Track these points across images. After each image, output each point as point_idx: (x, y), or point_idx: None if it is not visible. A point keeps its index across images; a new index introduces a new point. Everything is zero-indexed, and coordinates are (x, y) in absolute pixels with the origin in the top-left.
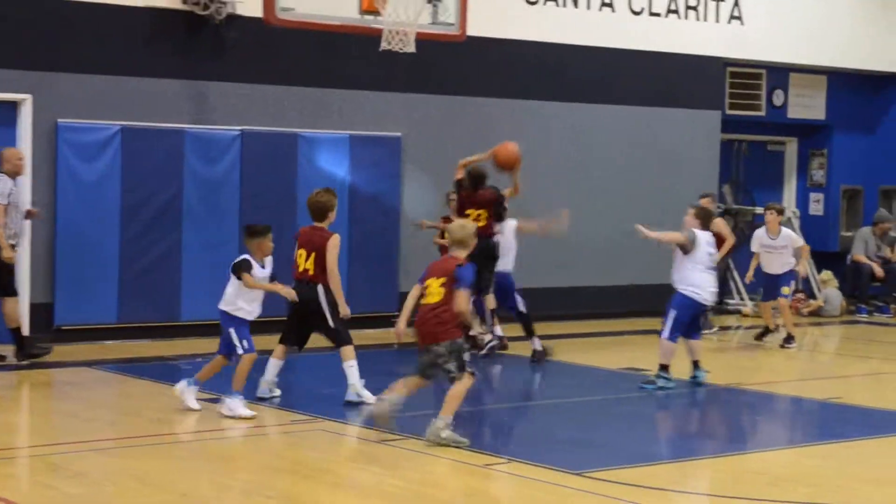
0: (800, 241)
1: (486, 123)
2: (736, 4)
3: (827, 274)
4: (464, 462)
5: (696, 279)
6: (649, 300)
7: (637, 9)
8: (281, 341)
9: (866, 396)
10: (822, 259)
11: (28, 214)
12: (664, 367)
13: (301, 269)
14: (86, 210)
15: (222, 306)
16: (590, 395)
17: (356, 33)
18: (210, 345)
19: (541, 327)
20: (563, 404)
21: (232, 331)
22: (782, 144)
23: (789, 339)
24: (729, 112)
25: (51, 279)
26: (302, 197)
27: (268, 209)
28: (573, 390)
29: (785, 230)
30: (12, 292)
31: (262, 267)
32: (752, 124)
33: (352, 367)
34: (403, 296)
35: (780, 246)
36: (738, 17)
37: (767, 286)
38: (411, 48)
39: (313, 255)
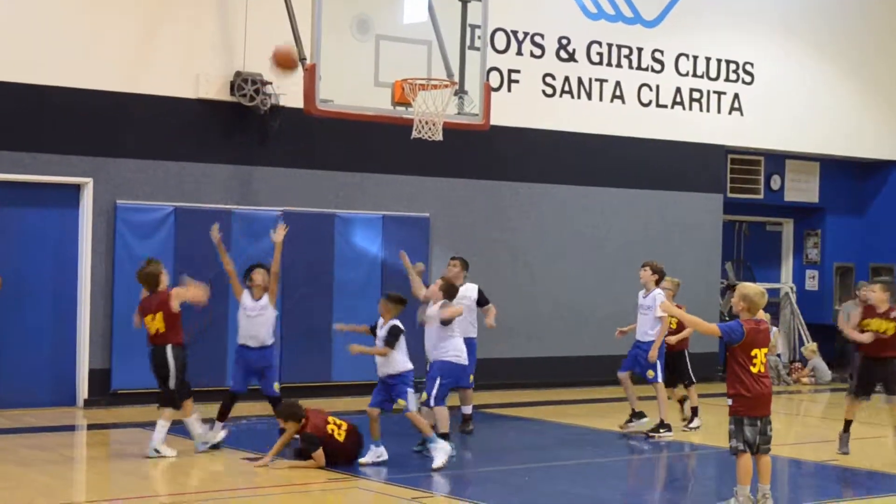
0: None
1: (508, 205)
2: (736, 97)
3: (812, 345)
4: None
5: None
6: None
7: (645, 101)
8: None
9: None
10: (817, 332)
11: None
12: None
13: (153, 331)
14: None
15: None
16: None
17: (389, 123)
18: (251, 408)
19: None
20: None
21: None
22: (780, 225)
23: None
24: (730, 195)
25: (108, 347)
26: (339, 272)
27: (307, 284)
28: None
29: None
30: None
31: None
32: (752, 206)
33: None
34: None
35: (645, 307)
36: (738, 109)
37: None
38: (439, 136)
39: (160, 314)
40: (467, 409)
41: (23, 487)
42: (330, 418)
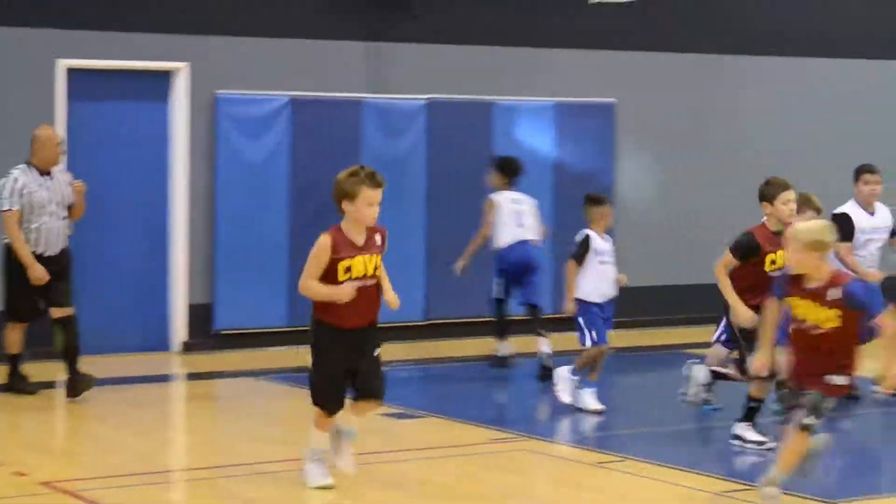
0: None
1: (719, 84)
2: None
3: None
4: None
5: None
6: None
7: None
8: None
9: None
10: None
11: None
12: None
13: None
14: (250, 195)
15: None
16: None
17: None
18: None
19: None
20: None
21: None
22: None
23: None
24: None
25: (210, 277)
26: None
27: (459, 192)
28: None
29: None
30: (28, 317)
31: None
32: None
33: None
34: None
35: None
36: None
37: None
38: None
39: None
40: None
41: (115, 452)
42: None
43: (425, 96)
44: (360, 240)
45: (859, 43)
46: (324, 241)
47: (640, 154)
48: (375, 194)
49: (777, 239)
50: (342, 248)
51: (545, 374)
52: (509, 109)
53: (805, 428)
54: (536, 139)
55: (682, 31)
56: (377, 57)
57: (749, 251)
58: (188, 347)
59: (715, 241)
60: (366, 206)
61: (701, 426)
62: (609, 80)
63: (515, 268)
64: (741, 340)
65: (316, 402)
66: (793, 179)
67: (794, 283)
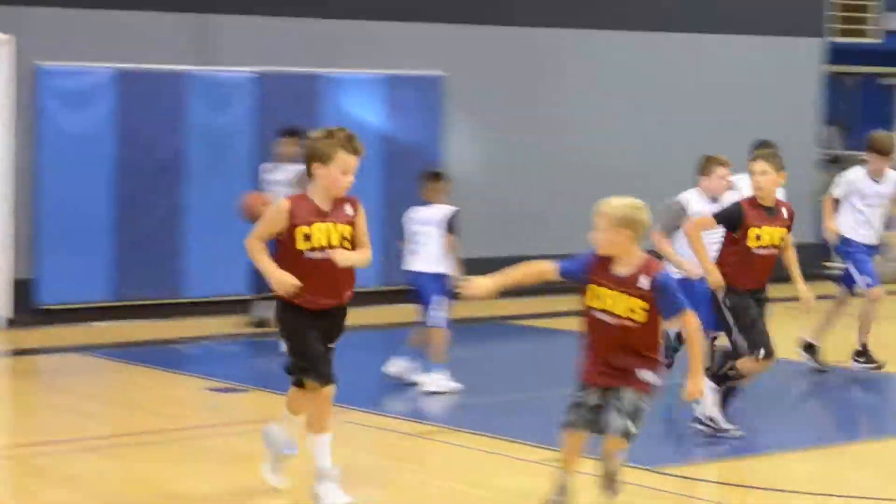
0: None
1: (548, 57)
2: None
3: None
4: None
5: None
6: None
7: None
8: None
9: None
10: None
11: None
12: None
13: None
14: (74, 168)
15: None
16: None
17: None
18: (219, 324)
19: None
20: None
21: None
22: None
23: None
24: (834, 40)
25: (31, 251)
26: None
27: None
28: None
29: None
30: None
31: None
32: (864, 54)
33: None
34: None
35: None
36: None
37: None
38: None
39: None
40: None
41: None
42: None
43: (253, 69)
44: (325, 206)
45: (686, 17)
46: (282, 203)
47: (470, 127)
48: (352, 160)
49: (766, 215)
50: (303, 213)
51: None
52: (338, 82)
53: (627, 436)
54: (366, 112)
55: (512, 5)
56: (204, 29)
57: (729, 218)
58: (11, 323)
59: (542, 214)
60: (339, 173)
61: (530, 396)
62: (438, 53)
63: None
64: (729, 319)
65: (309, 376)
66: (617, 153)
67: (597, 267)
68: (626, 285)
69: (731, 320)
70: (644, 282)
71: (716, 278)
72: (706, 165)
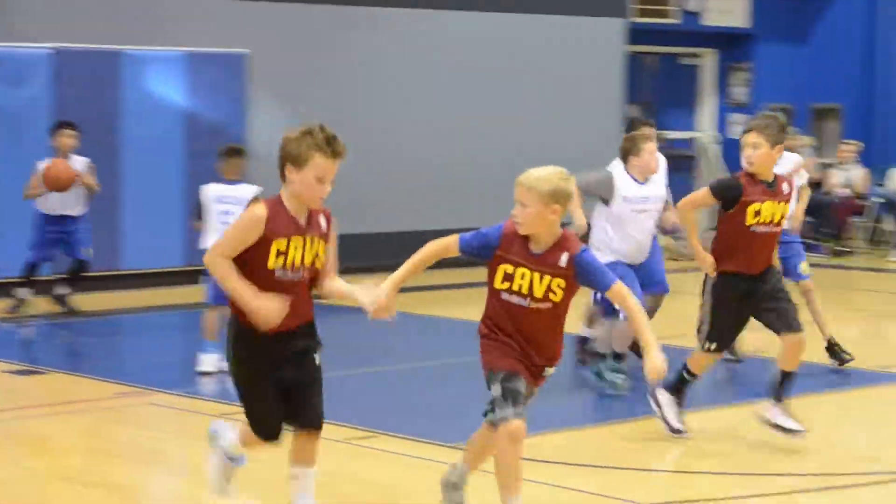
0: None
1: (354, 35)
2: None
3: None
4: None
5: None
6: None
7: None
8: None
9: None
10: None
11: None
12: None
13: None
14: None
15: None
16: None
17: None
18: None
19: None
20: (429, 367)
21: None
22: (697, 57)
23: None
24: (635, 20)
25: None
26: (127, 127)
27: (85, 144)
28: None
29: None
30: None
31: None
32: (663, 34)
33: None
34: None
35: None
36: None
37: None
38: None
39: None
40: None
41: None
42: None
43: (50, 45)
44: (301, 217)
45: None
46: (258, 211)
47: (273, 105)
48: (330, 166)
49: (766, 189)
50: (280, 224)
51: None
52: (139, 59)
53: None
54: (167, 90)
55: None
56: (2, 4)
57: (727, 192)
58: None
59: (350, 193)
60: (314, 180)
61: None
62: (242, 30)
63: None
64: (707, 301)
65: (254, 432)
66: (421, 133)
67: (510, 245)
68: (546, 264)
69: (708, 303)
70: (564, 259)
71: (708, 262)
72: (633, 144)
